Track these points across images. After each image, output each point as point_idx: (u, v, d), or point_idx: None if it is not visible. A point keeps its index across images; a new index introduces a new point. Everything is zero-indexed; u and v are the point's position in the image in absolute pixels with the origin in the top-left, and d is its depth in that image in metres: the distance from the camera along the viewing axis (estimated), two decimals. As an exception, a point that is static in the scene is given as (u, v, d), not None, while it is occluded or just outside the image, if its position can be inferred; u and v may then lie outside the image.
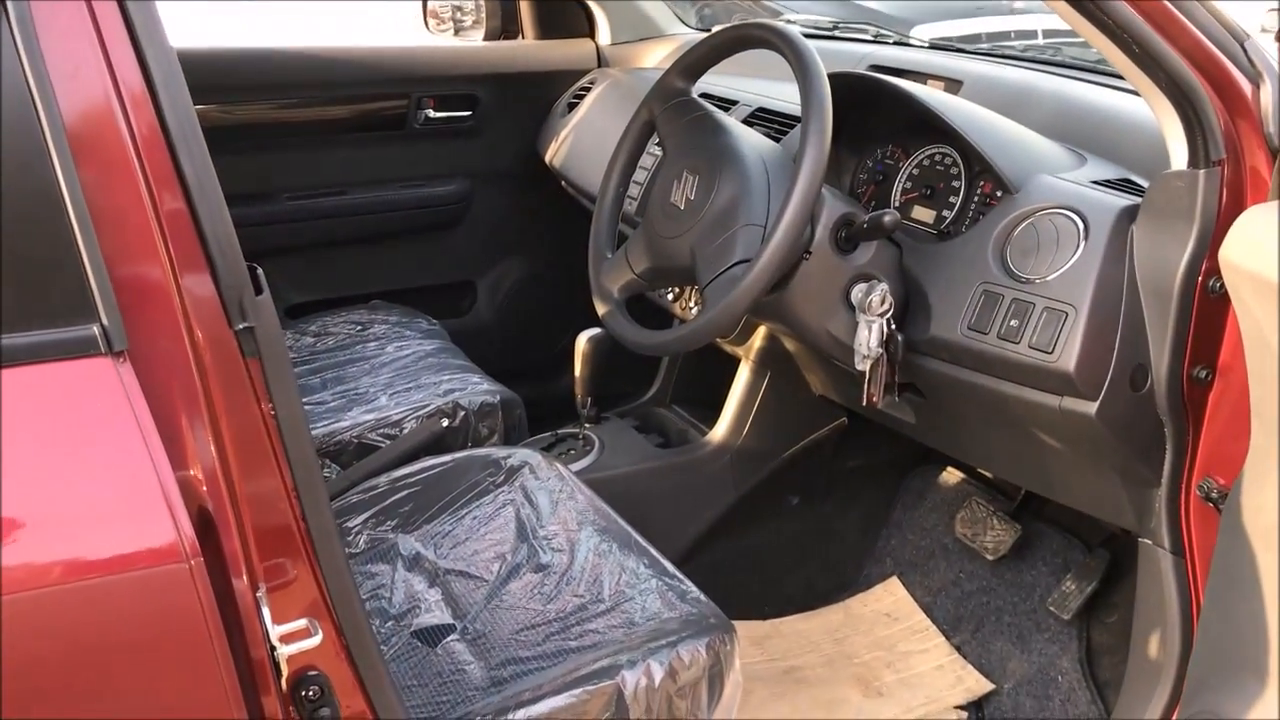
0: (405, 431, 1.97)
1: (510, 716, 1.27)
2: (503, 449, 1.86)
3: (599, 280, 1.68)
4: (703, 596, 1.49)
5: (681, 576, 1.53)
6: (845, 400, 2.00)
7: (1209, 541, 1.47)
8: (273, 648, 0.93)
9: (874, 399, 1.56)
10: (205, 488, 0.89)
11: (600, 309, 1.66)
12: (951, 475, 2.23)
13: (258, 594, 0.92)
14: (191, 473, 0.89)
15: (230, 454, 0.91)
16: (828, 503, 2.23)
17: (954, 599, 2.09)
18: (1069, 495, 1.66)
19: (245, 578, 0.91)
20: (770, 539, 2.19)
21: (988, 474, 2.23)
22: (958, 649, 2.01)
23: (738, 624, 2.08)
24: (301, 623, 0.95)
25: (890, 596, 2.16)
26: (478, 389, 2.07)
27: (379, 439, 1.97)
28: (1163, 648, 1.52)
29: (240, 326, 0.91)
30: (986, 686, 1.91)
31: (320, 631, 0.97)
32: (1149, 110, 1.42)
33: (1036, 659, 1.91)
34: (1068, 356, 1.39)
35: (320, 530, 0.98)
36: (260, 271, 0.95)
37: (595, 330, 2.05)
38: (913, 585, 2.16)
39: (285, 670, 0.94)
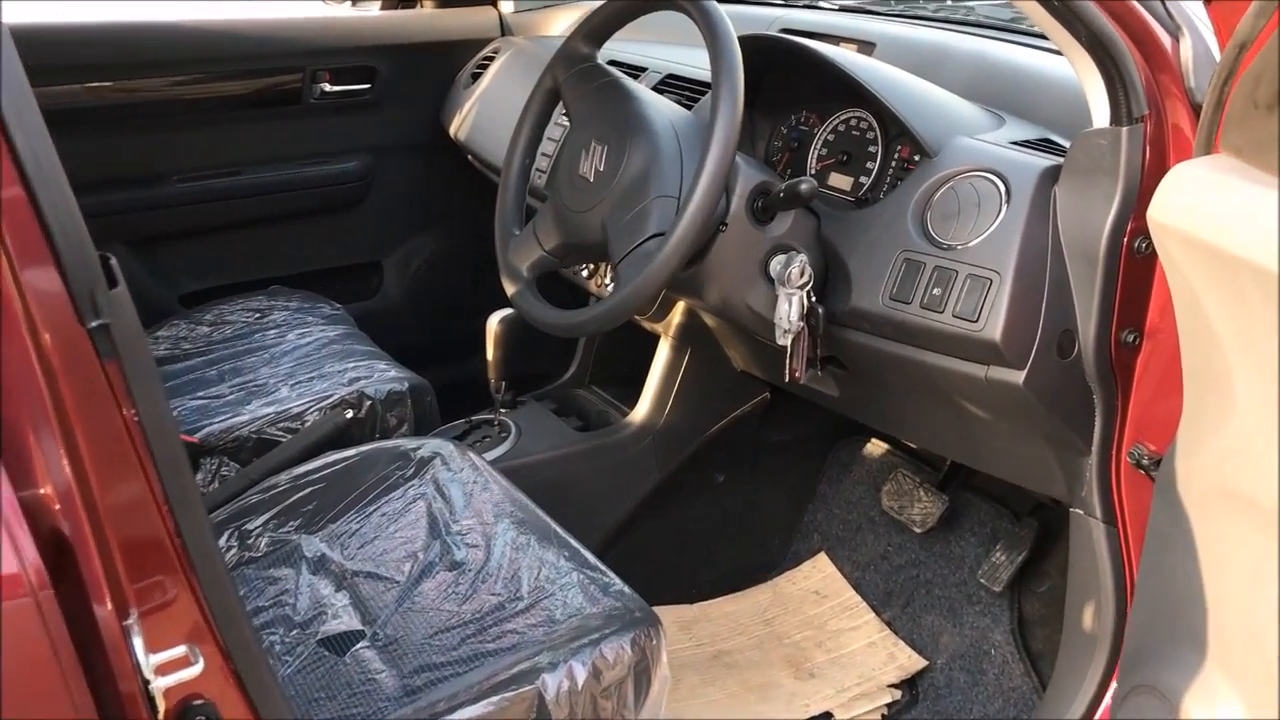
0: (308, 424, 1.86)
1: (425, 728, 1.19)
2: (412, 440, 1.76)
3: (507, 258, 1.60)
4: (626, 589, 1.42)
5: (604, 569, 1.46)
6: (768, 375, 1.95)
7: (1141, 509, 1.45)
8: (146, 681, 0.83)
9: (796, 374, 1.50)
10: (59, 507, 0.80)
11: (509, 289, 1.58)
12: (876, 447, 2.19)
13: (126, 622, 0.83)
14: (41, 492, 0.79)
15: (89, 468, 0.81)
16: (753, 479, 2.18)
17: (883, 573, 2.06)
18: (996, 466, 1.62)
19: (110, 605, 0.81)
20: (696, 518, 2.13)
21: (913, 445, 2.19)
22: (889, 625, 1.98)
23: (664, 609, 2.04)
24: (179, 650, 0.86)
25: (819, 573, 2.12)
26: (385, 376, 1.97)
27: (280, 433, 1.86)
28: (1097, 619, 1.49)
29: (93, 324, 0.81)
30: (919, 663, 1.88)
31: (202, 658, 0.88)
32: (1066, 69, 1.38)
33: (969, 632, 1.88)
34: (993, 325, 1.34)
35: (197, 545, 0.88)
36: (114, 262, 0.85)
37: (508, 310, 1.97)
38: (841, 560, 2.12)
39: (163, 704, 0.85)
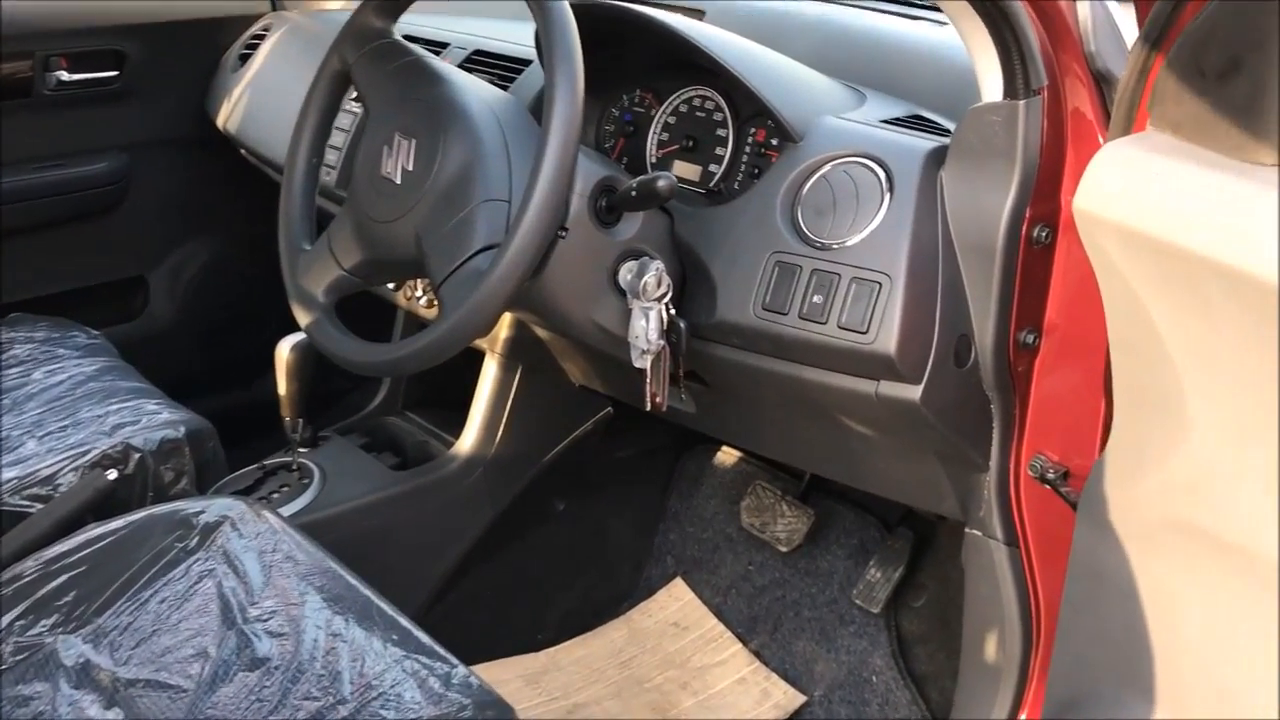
0: (62, 490, 1.52)
1: None
2: (194, 501, 1.46)
3: (296, 281, 1.31)
4: (473, 678, 1.17)
5: (442, 652, 1.21)
6: (611, 390, 1.73)
7: (1046, 526, 1.30)
8: None
9: (658, 400, 1.29)
10: None
11: (302, 319, 1.30)
12: (728, 455, 2.01)
13: None
14: None
15: None
16: (598, 502, 1.96)
17: (746, 596, 1.88)
18: (882, 486, 1.45)
19: None
20: (538, 554, 1.89)
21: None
22: (757, 655, 1.80)
23: (507, 662, 1.80)
24: None
25: (675, 601, 1.92)
26: (156, 420, 1.64)
27: (26, 503, 1.52)
28: (1000, 648, 1.34)
29: None
30: (797, 699, 1.71)
31: None
32: (929, 33, 1.21)
33: (845, 658, 1.72)
34: (886, 336, 1.16)
35: None
36: None
37: (301, 335, 1.67)
38: (699, 585, 1.93)
39: None
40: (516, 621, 1.84)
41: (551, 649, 1.84)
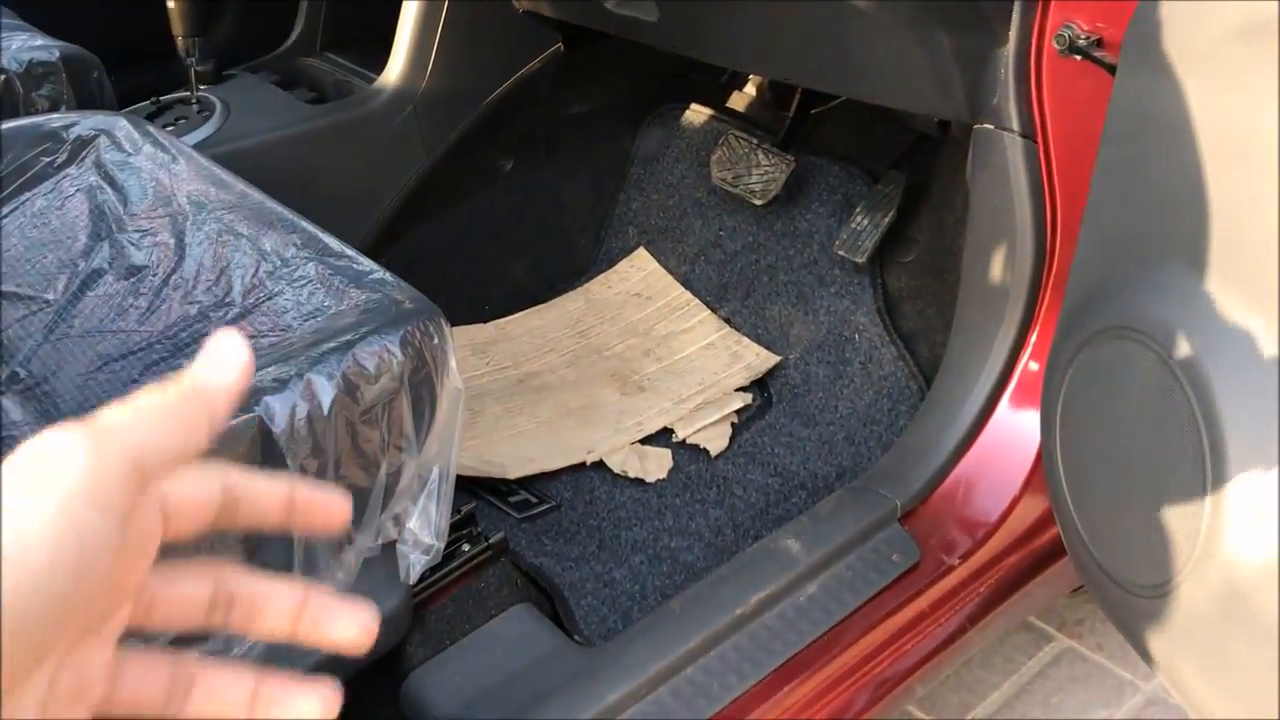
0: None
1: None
2: (65, 115, 1.23)
3: None
4: (389, 275, 0.99)
5: (354, 253, 1.02)
6: (560, 12, 1.48)
7: (1068, 114, 1.10)
8: None
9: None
10: None
11: None
12: (698, 114, 1.78)
13: None
14: None
15: None
16: (550, 164, 1.74)
17: (715, 263, 1.69)
18: (877, 85, 1.23)
19: None
20: (483, 219, 1.69)
21: (743, 110, 1.80)
22: (727, 321, 1.62)
23: (460, 329, 1.62)
24: None
25: (638, 272, 1.73)
26: (27, 45, 1.40)
27: None
28: (1009, 263, 1.16)
29: None
30: (769, 359, 1.54)
31: None
32: None
33: (825, 318, 1.55)
34: None
35: None
36: None
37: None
38: (664, 254, 1.74)
39: None
40: (460, 292, 1.65)
41: (501, 319, 1.66)
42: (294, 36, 1.67)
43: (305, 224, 1.05)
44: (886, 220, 1.49)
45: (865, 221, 1.50)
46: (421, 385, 0.92)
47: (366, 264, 1.00)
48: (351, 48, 1.66)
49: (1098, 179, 0.97)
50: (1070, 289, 1.00)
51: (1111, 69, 1.01)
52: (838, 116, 1.68)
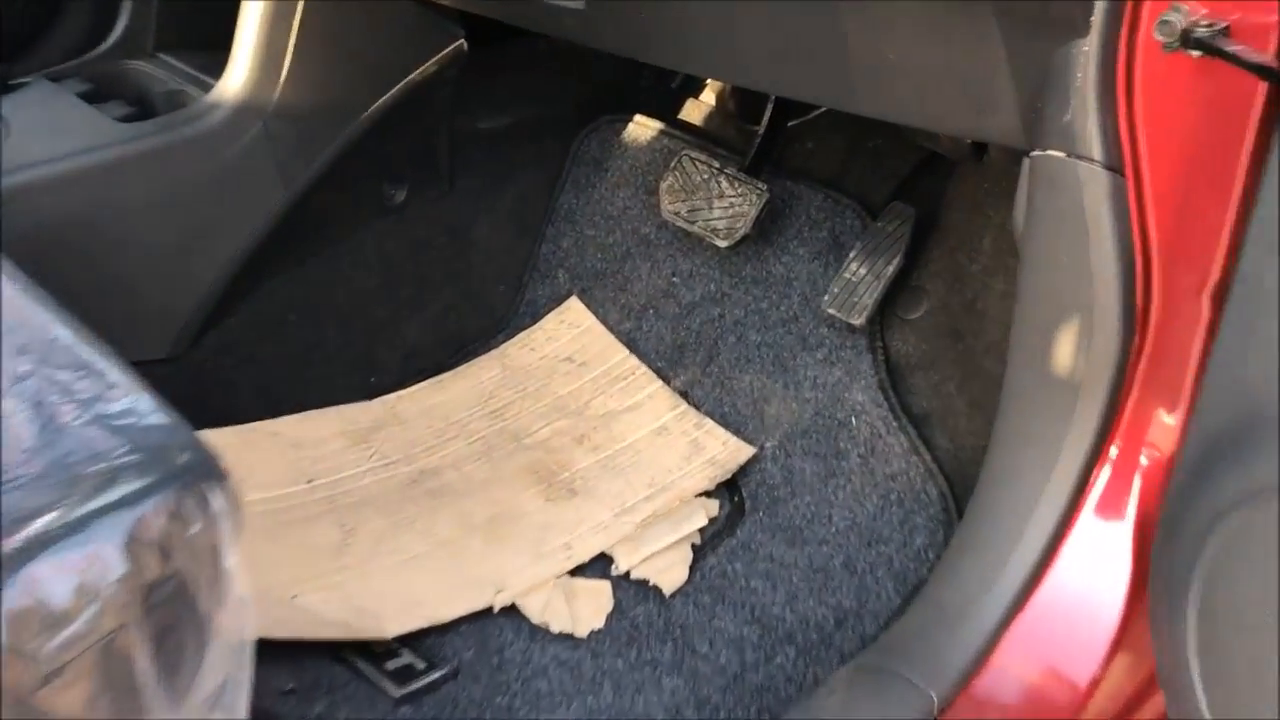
0: None
1: None
2: None
3: None
4: (166, 417, 0.62)
5: (117, 370, 0.65)
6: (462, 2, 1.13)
7: (1180, 140, 0.75)
8: None
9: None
10: None
11: None
12: (644, 128, 1.43)
13: None
14: None
15: None
16: (455, 194, 1.38)
17: (669, 319, 1.33)
18: (894, 98, 0.88)
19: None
20: (364, 264, 1.32)
21: (700, 124, 1.45)
22: (684, 396, 1.27)
23: (321, 414, 1.25)
24: None
25: (570, 330, 1.37)
26: None
27: None
28: (1081, 348, 0.82)
29: None
30: (741, 451, 1.18)
31: None
32: None
33: (810, 394, 1.20)
34: None
35: None
36: None
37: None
38: (603, 307, 1.38)
39: None
40: (336, 360, 1.28)
41: (390, 396, 1.29)
42: (118, 32, 1.28)
43: (59, 330, 0.68)
44: (891, 270, 1.14)
45: (862, 270, 1.15)
46: (175, 607, 0.55)
47: (141, 400, 0.62)
48: (197, 50, 1.28)
49: (1251, 251, 0.63)
50: (1206, 416, 0.65)
51: (1262, 70, 0.67)
52: (820, 131, 1.33)
